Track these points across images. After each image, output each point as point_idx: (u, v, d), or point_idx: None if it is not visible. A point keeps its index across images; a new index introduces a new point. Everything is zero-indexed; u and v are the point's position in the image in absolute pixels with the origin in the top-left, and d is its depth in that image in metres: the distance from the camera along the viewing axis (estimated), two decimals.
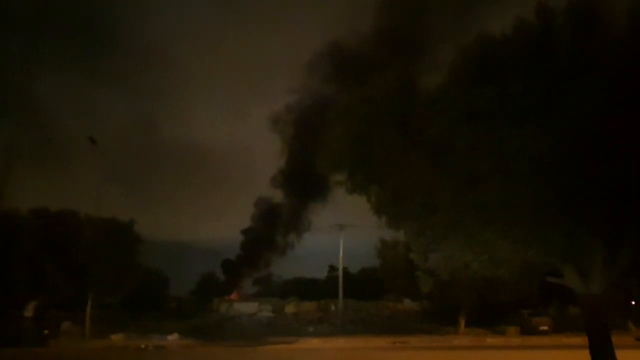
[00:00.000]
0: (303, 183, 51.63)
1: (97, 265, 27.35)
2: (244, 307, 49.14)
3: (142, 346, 25.67)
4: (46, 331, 26.41)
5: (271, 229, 55.55)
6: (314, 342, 27.21)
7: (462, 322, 31.09)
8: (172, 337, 29.29)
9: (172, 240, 49.42)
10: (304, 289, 58.51)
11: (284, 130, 51.52)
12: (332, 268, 66.07)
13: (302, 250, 58.38)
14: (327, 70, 46.64)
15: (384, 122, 9.88)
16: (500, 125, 8.48)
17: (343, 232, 37.03)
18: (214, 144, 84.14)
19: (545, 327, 30.74)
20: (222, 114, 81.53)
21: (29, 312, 27.26)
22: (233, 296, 55.43)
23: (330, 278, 63.75)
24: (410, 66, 10.20)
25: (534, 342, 26.93)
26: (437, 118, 9.06)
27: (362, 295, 48.79)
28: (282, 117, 51.10)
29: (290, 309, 49.08)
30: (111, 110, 79.62)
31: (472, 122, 8.64)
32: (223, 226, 70.65)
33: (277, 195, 55.17)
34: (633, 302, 33.36)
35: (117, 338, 28.70)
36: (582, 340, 25.28)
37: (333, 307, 47.92)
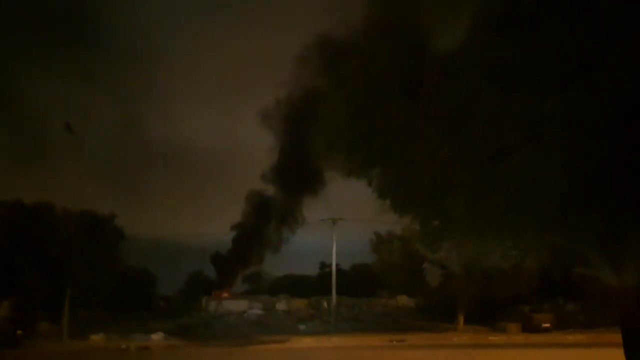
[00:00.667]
0: (295, 177, 50.79)
1: (75, 261, 25.79)
2: (234, 305, 48.07)
3: (123, 347, 24.22)
4: (19, 332, 24.82)
5: (263, 223, 54.65)
6: (307, 341, 25.87)
7: (461, 319, 29.85)
8: (157, 337, 27.84)
9: (162, 239, 48.30)
10: (294, 286, 58.07)
11: (275, 125, 50.65)
12: (324, 264, 65.25)
13: (292, 247, 57.65)
14: (318, 62, 45.45)
15: (389, 88, 8.55)
16: (533, 86, 7.17)
17: (336, 225, 35.59)
18: (204, 142, 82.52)
19: (547, 324, 29.60)
20: (211, 111, 79.96)
21: (2, 311, 25.68)
22: (224, 294, 54.44)
23: (321, 275, 62.96)
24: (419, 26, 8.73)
25: (538, 340, 25.81)
26: (454, 79, 7.74)
27: (354, 292, 48.19)
28: (273, 112, 50.25)
29: (281, 306, 48.07)
30: (98, 107, 77.58)
31: (498, 83, 7.33)
32: (213, 224, 69.56)
33: (269, 191, 54.40)
34: None
35: (97, 339, 27.15)
36: (588, 337, 24.34)
37: (325, 304, 46.95)
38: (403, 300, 46.14)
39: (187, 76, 77.16)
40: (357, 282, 53.97)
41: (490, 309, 31.14)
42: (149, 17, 75.01)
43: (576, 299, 31.97)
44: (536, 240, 7.91)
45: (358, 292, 49.91)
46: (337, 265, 40.06)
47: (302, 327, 36.27)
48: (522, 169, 7.29)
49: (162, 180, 74.58)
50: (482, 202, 8.04)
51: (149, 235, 45.07)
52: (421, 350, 21.29)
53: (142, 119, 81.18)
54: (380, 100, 8.58)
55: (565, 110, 6.87)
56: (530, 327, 29.01)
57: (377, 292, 51.00)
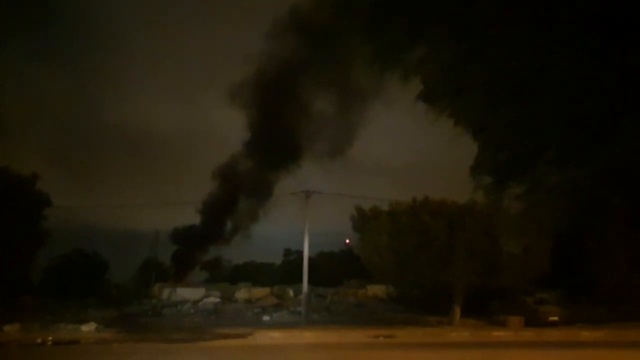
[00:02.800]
0: (267, 154, 49.50)
1: None
2: (189, 292, 44.27)
3: (39, 340, 19.52)
4: None
5: (232, 197, 52.21)
6: (274, 336, 21.60)
7: (458, 312, 26.03)
8: (87, 329, 23.19)
9: (119, 228, 45.38)
10: (256, 274, 55.44)
11: (245, 102, 50.46)
12: (289, 251, 62.00)
13: (255, 233, 54.89)
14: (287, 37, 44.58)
15: None
16: None
17: (309, 200, 31.37)
18: (162, 126, 78.17)
19: (555, 318, 26.10)
20: (171, 97, 75.58)
21: None
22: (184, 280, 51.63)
23: (286, 262, 59.97)
24: None
25: (550, 336, 22.31)
26: None
27: (320, 282, 45.28)
28: (241, 90, 49.36)
29: (241, 295, 44.22)
30: (52, 91, 71.95)
31: None
32: (173, 213, 67.13)
33: (240, 166, 51.87)
34: None
35: (11, 329, 22.35)
36: (606, 334, 20.80)
37: (291, 293, 43.37)
38: (374, 290, 43.09)
39: (146, 58, 72.40)
40: (323, 270, 51.42)
41: (486, 299, 27.65)
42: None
43: (584, 291, 28.76)
44: None
45: (324, 282, 47.16)
46: (302, 252, 35.97)
47: (266, 318, 32.28)
48: None
49: (122, 169, 70.43)
50: None
51: (105, 224, 42.64)
52: (426, 352, 17.24)
53: (100, 105, 75.68)
54: None
55: None
56: (534, 321, 25.39)
57: (344, 281, 48.37)
